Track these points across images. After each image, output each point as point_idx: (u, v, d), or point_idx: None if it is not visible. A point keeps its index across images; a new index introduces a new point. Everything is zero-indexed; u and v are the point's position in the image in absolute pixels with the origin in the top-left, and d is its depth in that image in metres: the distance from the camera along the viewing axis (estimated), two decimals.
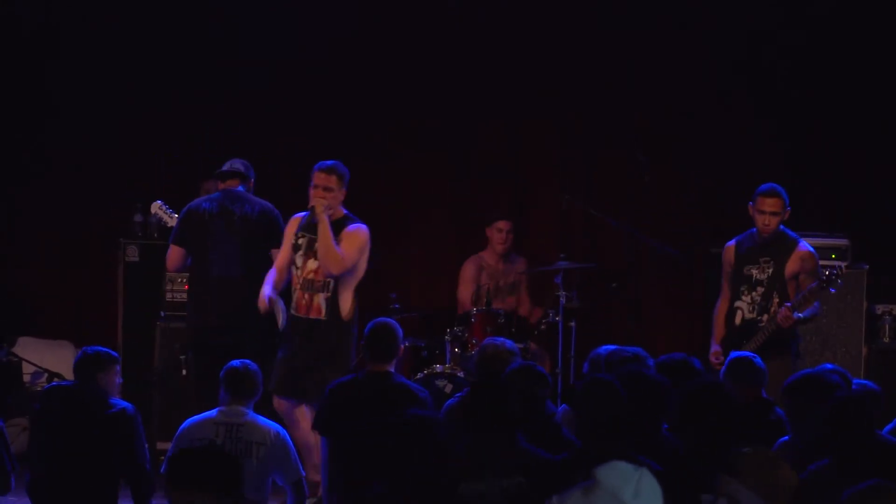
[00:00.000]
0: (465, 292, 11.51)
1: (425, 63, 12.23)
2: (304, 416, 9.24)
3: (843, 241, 10.93)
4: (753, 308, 9.38)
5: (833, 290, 9.39)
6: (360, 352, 8.93)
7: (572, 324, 10.93)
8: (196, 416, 8.06)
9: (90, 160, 11.86)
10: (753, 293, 9.42)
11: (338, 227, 9.05)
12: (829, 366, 7.75)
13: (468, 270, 11.55)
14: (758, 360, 7.80)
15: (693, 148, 11.96)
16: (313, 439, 9.01)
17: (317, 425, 8.33)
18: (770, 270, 9.43)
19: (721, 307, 9.64)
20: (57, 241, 12.08)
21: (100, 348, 8.21)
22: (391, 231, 12.02)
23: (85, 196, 11.93)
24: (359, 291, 9.59)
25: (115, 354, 8.26)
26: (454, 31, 12.11)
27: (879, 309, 11.18)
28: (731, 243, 9.70)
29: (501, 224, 11.46)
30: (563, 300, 10.83)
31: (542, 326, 11.12)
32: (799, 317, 9.31)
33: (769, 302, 9.31)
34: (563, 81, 12.13)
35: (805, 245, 9.45)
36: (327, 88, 12.13)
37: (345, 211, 9.20)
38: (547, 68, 12.14)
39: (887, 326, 11.16)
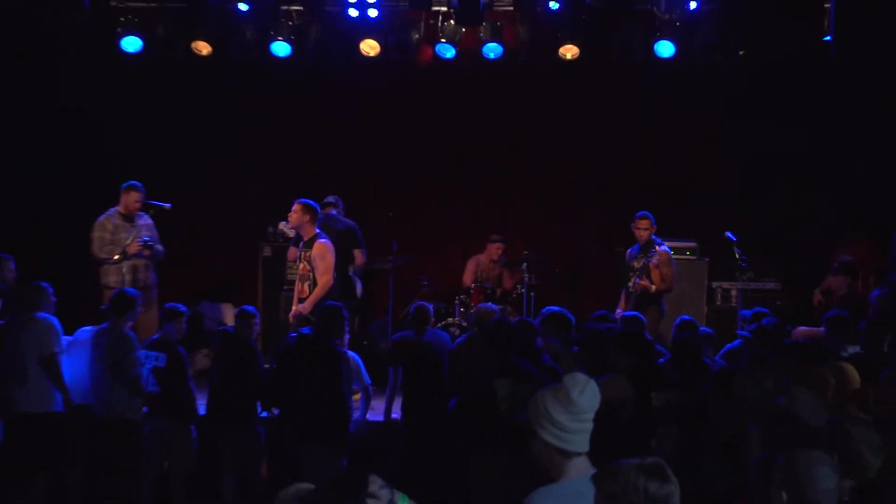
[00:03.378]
0: (467, 277, 14.32)
1: (471, 114, 14.56)
2: None
3: (692, 244, 13.78)
4: (633, 286, 11.72)
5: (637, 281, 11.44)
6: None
7: (532, 294, 13.31)
8: None
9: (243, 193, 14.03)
10: (633, 276, 11.87)
11: None
12: (687, 317, 9.98)
13: (470, 265, 14.42)
14: (639, 314, 9.87)
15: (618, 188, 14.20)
16: None
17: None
18: (642, 262, 11.86)
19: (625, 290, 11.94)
20: (226, 242, 14.54)
21: (249, 307, 10.33)
22: (430, 240, 14.88)
23: (237, 215, 14.29)
24: None
25: (255, 310, 10.25)
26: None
27: (714, 284, 13.93)
28: (629, 250, 12.19)
29: (498, 245, 14.23)
30: (527, 280, 13.29)
31: (514, 296, 13.56)
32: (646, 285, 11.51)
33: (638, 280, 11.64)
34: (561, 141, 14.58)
35: (664, 247, 11.92)
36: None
37: None
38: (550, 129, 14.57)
39: (719, 294, 13.88)
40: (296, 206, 11.41)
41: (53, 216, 14.12)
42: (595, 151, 14.52)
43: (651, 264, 11.74)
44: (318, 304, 10.65)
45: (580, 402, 4.53)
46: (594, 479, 4.14)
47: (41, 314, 9.67)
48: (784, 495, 4.39)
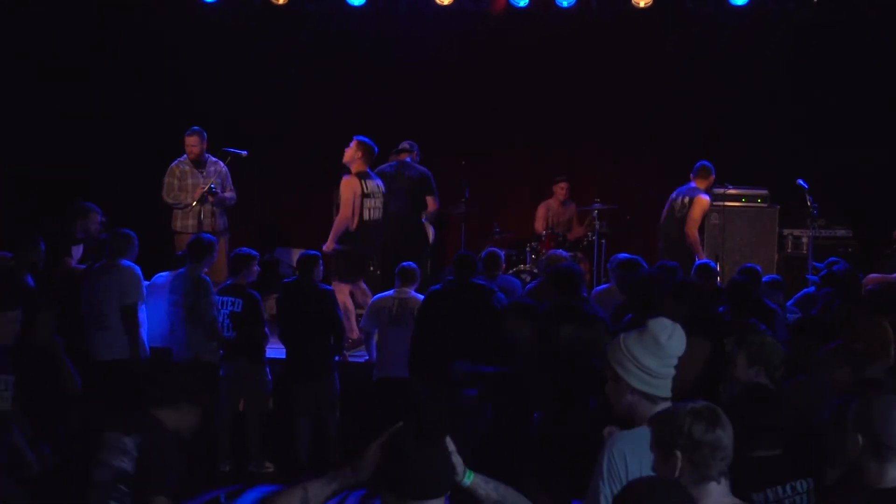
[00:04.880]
0: (538, 223, 14.45)
1: (542, 60, 14.65)
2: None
3: (763, 191, 13.64)
4: None
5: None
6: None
7: (603, 241, 13.57)
8: (381, 293, 10.44)
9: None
10: None
11: None
12: (749, 265, 10.08)
13: (540, 211, 14.65)
14: (712, 263, 10.31)
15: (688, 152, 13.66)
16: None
17: None
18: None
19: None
20: (306, 186, 14.63)
21: (312, 251, 10.43)
22: (501, 187, 15.22)
23: (318, 161, 13.91)
24: None
25: (318, 254, 10.34)
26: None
27: (785, 231, 13.83)
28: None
29: (562, 185, 14.54)
30: (597, 227, 13.61)
31: (585, 243, 13.81)
32: None
33: None
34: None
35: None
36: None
37: None
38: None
39: (790, 242, 13.82)
40: (353, 143, 11.60)
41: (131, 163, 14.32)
42: (662, 100, 14.62)
43: None
44: (336, 240, 11.35)
45: (668, 347, 4.54)
46: (650, 421, 4.15)
47: (125, 261, 9.70)
48: (860, 439, 4.33)
